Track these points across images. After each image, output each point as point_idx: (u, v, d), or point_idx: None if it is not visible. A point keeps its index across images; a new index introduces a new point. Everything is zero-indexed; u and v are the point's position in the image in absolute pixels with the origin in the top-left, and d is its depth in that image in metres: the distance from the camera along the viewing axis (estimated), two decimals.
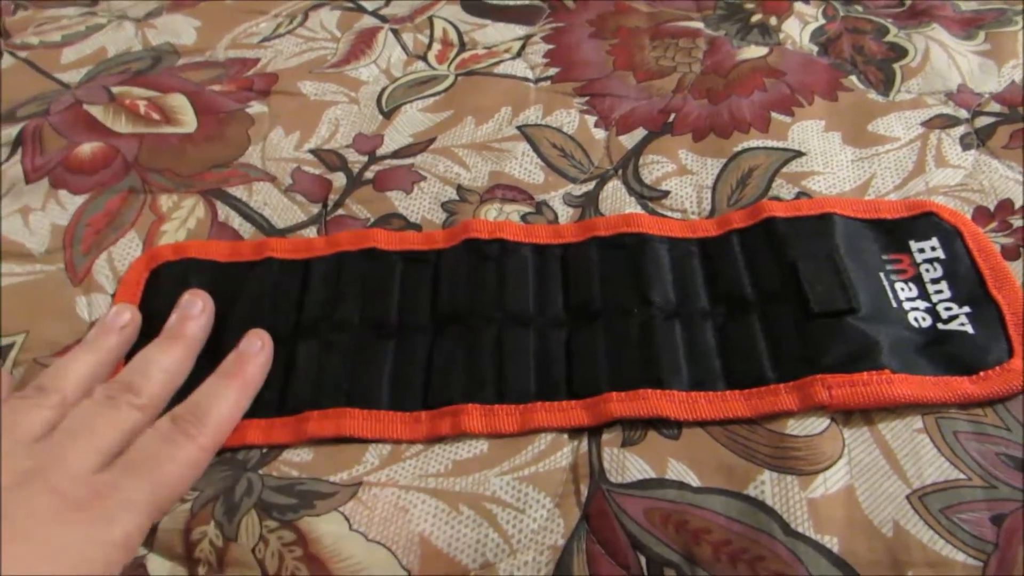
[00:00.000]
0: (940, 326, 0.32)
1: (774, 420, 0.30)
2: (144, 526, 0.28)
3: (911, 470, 0.28)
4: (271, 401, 0.32)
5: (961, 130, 0.40)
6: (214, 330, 0.34)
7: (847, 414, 0.30)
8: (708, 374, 0.31)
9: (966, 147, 0.39)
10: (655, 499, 0.28)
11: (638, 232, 0.36)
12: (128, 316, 0.34)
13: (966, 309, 0.32)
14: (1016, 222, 0.35)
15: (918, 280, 0.33)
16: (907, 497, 0.27)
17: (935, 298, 0.32)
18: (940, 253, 0.34)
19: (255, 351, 0.33)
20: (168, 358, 0.32)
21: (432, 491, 0.29)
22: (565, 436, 0.30)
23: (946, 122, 0.40)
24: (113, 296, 0.36)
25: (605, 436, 0.30)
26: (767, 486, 0.28)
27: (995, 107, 0.41)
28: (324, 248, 0.37)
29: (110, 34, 0.51)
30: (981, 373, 0.30)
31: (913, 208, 0.35)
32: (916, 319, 0.32)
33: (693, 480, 0.29)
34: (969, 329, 0.31)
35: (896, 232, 0.35)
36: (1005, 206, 0.36)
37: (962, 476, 0.27)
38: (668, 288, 0.34)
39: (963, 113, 0.41)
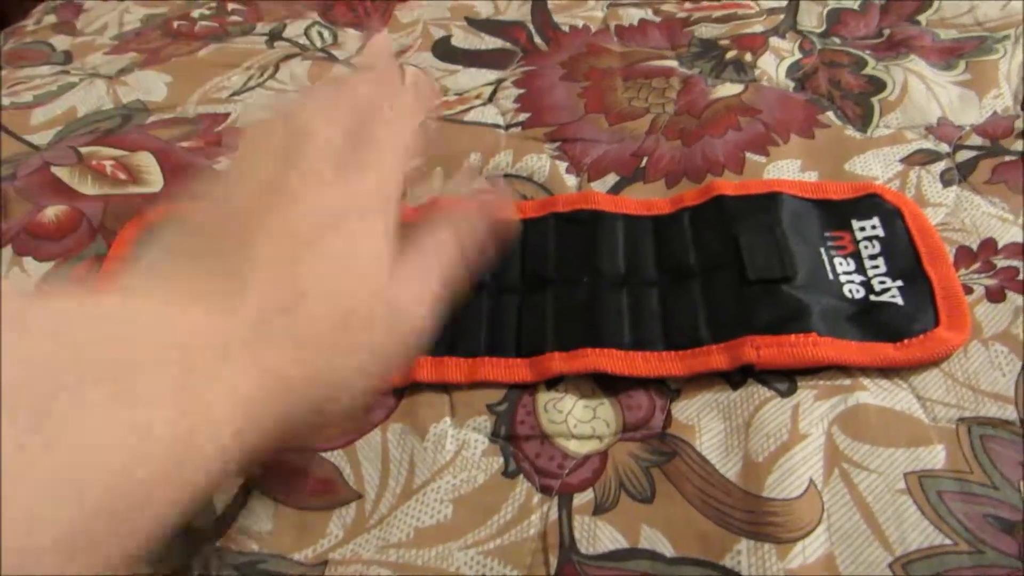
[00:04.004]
0: (872, 297, 0.33)
1: (750, 481, 0.28)
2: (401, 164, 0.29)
3: (894, 535, 0.26)
4: None
5: (942, 166, 0.38)
6: None
7: (826, 474, 0.28)
8: (648, 336, 0.32)
9: (947, 183, 0.37)
10: (627, 571, 0.27)
11: (595, 209, 0.37)
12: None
13: (899, 283, 0.33)
14: (1000, 262, 0.34)
15: (856, 256, 0.35)
16: (890, 565, 0.26)
17: (871, 272, 0.34)
18: (880, 231, 0.35)
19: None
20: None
21: (394, 565, 0.28)
22: (535, 501, 0.29)
23: (926, 158, 0.39)
24: (107, 254, 0.38)
25: (576, 502, 0.29)
26: (743, 556, 0.27)
27: (977, 140, 0.40)
28: None
29: (81, 93, 0.51)
30: (905, 341, 0.31)
31: (858, 190, 0.37)
32: (850, 291, 0.33)
33: (667, 550, 0.27)
34: (899, 301, 0.32)
35: (840, 211, 0.36)
36: (988, 245, 0.34)
37: (948, 541, 0.26)
38: (619, 260, 0.35)
39: (944, 147, 0.39)
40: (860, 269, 0.34)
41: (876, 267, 0.34)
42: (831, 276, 0.34)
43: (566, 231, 0.37)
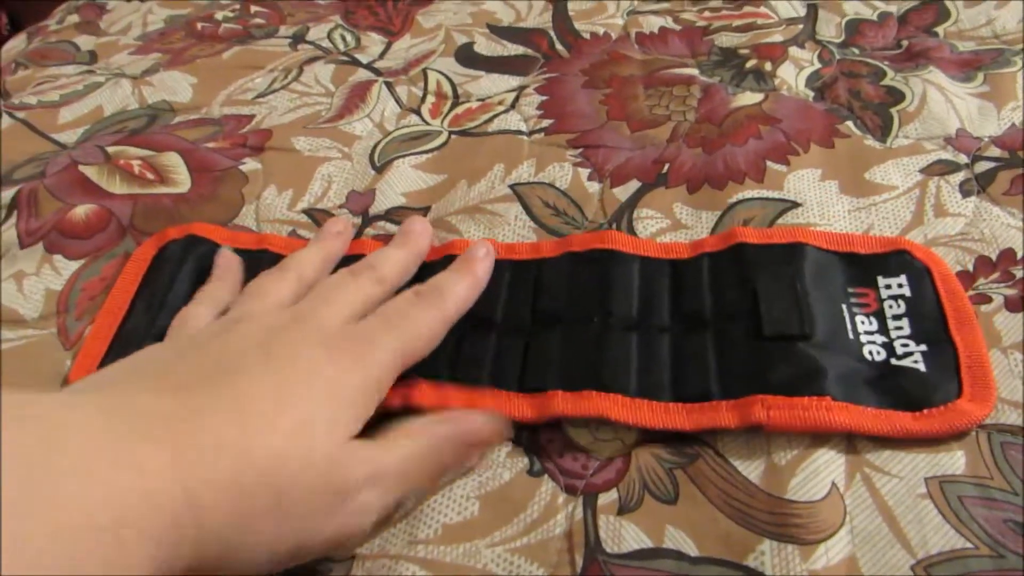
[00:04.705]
0: (893, 361, 0.31)
1: (773, 483, 0.29)
2: (394, 371, 0.30)
3: (915, 539, 0.27)
4: None
5: (961, 176, 0.39)
6: None
7: (848, 478, 0.29)
8: (655, 385, 0.32)
9: (966, 194, 0.38)
10: (652, 570, 0.27)
11: (611, 249, 0.36)
12: (341, 224, 0.39)
13: (922, 347, 0.32)
14: (1019, 272, 0.34)
15: (880, 315, 0.33)
16: (912, 568, 0.26)
17: (894, 334, 0.32)
18: (906, 291, 0.34)
19: (481, 255, 0.36)
20: (399, 253, 0.36)
21: (422, 561, 0.28)
22: (560, 501, 0.30)
23: (945, 168, 0.39)
24: (121, 271, 0.39)
25: (601, 502, 0.29)
26: (767, 556, 0.27)
27: (995, 151, 0.40)
28: None
29: (107, 93, 0.52)
30: (925, 411, 0.30)
31: (887, 245, 0.35)
32: (871, 352, 0.32)
33: (691, 549, 0.28)
34: (921, 367, 0.31)
35: (866, 267, 0.35)
36: (1008, 256, 0.35)
37: (969, 545, 0.26)
38: (631, 302, 0.34)
39: (963, 158, 0.40)
40: (883, 330, 0.33)
41: (900, 328, 0.32)
42: (851, 335, 0.32)
43: (579, 270, 0.36)
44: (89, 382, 0.29)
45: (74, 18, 0.63)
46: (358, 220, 0.41)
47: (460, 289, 0.34)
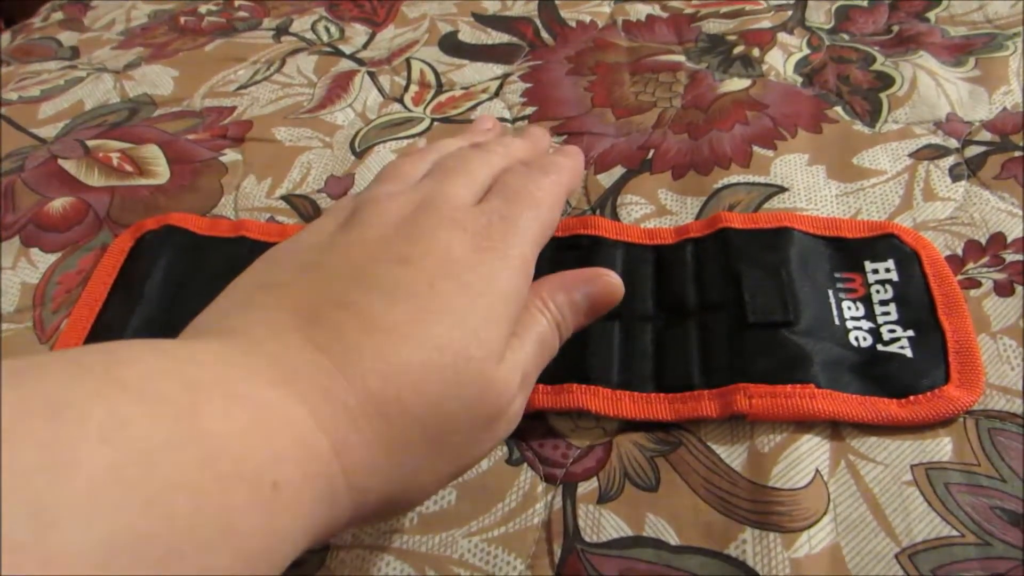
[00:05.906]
0: (880, 347, 0.31)
1: (756, 471, 0.28)
2: (533, 252, 0.27)
3: (900, 526, 0.26)
4: None
5: (951, 160, 0.38)
6: (174, 296, 0.36)
7: (832, 465, 0.28)
8: (638, 376, 0.31)
9: (956, 178, 0.37)
10: (631, 559, 0.27)
11: (594, 235, 0.35)
12: (491, 123, 0.37)
13: (909, 333, 0.31)
14: (1009, 257, 0.34)
15: (867, 300, 0.32)
16: (896, 556, 0.26)
17: (880, 319, 0.32)
18: (894, 275, 0.33)
19: (578, 152, 0.33)
20: (519, 141, 0.33)
21: (397, 551, 0.28)
22: (539, 490, 0.29)
23: (935, 153, 0.39)
24: (98, 263, 0.38)
25: (580, 491, 0.29)
26: (749, 545, 0.26)
27: (986, 135, 0.39)
28: None
29: (88, 87, 0.51)
30: (911, 397, 0.29)
31: (875, 229, 0.35)
32: (857, 338, 0.31)
33: (672, 538, 0.27)
34: (908, 353, 0.30)
35: (853, 251, 0.34)
36: (997, 239, 0.34)
37: (954, 533, 0.26)
38: None
39: (953, 143, 0.39)
40: (869, 315, 0.32)
41: (887, 314, 0.32)
42: (837, 321, 0.32)
43: (561, 257, 0.34)
44: (200, 324, 0.25)
45: (58, 15, 0.62)
46: None
47: (567, 161, 0.31)
